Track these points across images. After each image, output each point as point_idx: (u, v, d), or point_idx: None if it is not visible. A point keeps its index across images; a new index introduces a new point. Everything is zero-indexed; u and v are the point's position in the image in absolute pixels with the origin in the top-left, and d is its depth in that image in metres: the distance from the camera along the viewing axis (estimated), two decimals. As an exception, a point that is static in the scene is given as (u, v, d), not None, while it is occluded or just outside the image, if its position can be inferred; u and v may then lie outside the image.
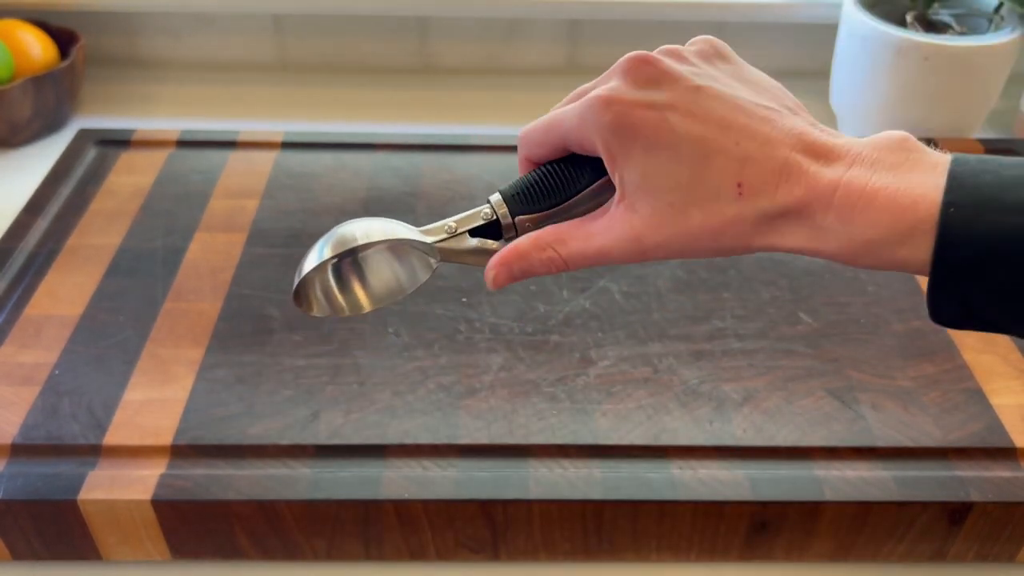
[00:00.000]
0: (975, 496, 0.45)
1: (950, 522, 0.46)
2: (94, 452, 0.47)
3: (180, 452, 0.47)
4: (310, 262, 0.37)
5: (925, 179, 0.32)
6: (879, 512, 0.45)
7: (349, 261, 0.38)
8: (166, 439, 0.47)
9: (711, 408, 0.50)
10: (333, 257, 0.37)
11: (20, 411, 0.49)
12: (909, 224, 0.31)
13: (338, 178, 0.69)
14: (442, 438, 0.48)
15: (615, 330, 0.55)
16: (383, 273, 0.39)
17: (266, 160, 0.71)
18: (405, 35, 0.93)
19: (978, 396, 0.51)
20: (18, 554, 0.47)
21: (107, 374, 0.51)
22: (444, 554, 0.47)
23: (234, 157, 0.71)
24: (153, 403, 0.49)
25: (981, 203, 0.30)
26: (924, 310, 0.57)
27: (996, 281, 0.31)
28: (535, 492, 0.45)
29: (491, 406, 0.50)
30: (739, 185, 0.33)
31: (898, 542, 0.47)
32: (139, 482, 0.45)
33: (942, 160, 0.32)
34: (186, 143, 0.73)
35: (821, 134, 0.34)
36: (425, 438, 0.48)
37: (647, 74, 0.35)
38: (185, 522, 0.45)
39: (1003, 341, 0.55)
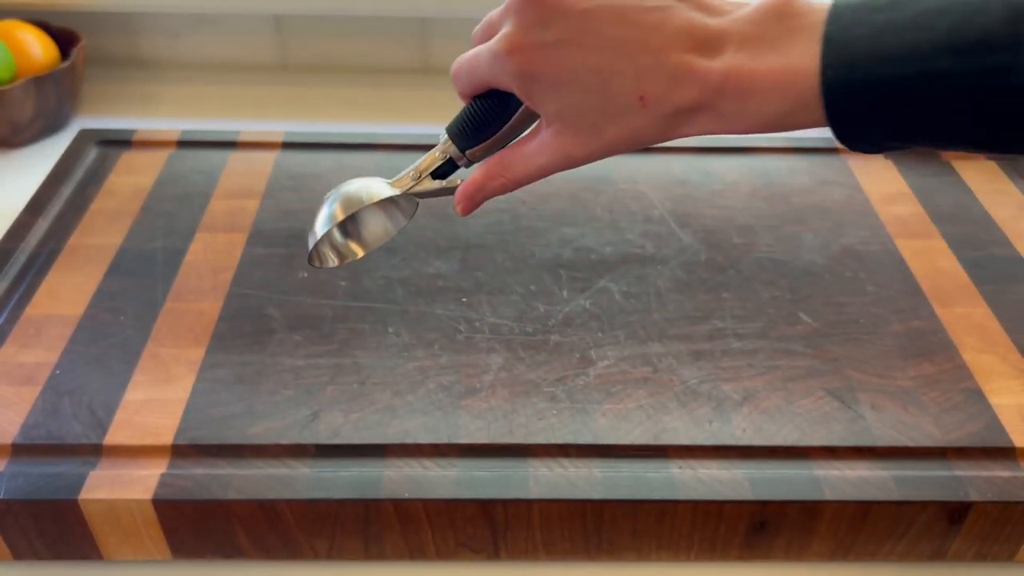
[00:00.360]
0: (974, 496, 0.45)
1: (949, 522, 0.46)
2: (95, 452, 0.47)
3: (181, 452, 0.47)
4: (323, 222, 0.44)
5: (804, 48, 0.34)
6: (878, 512, 0.45)
7: (349, 217, 0.44)
8: (167, 439, 0.47)
9: (711, 408, 0.50)
10: (344, 218, 0.44)
11: (21, 411, 0.49)
12: (795, 97, 0.34)
13: (339, 178, 0.69)
14: (442, 438, 0.48)
15: (615, 330, 0.55)
16: (374, 223, 0.47)
17: (266, 160, 0.71)
18: (405, 35, 0.93)
19: (977, 396, 0.51)
20: (19, 554, 0.47)
21: (108, 374, 0.51)
22: (444, 554, 0.47)
23: (234, 157, 0.71)
24: (154, 403, 0.49)
25: (855, 60, 0.33)
26: (924, 310, 0.57)
27: (890, 125, 0.34)
28: (535, 492, 0.45)
29: (491, 406, 0.50)
30: (641, 98, 0.37)
31: (897, 542, 0.47)
32: (140, 482, 0.45)
33: (819, 20, 0.35)
34: (187, 143, 0.73)
35: (708, 20, 0.37)
36: (425, 438, 0.48)
37: (537, 14, 0.37)
38: (186, 522, 0.45)
39: (1003, 341, 0.55)
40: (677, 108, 0.36)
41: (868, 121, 0.34)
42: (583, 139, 0.39)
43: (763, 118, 0.36)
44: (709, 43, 0.36)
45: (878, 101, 0.33)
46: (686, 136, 0.38)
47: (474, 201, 0.43)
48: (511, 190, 0.42)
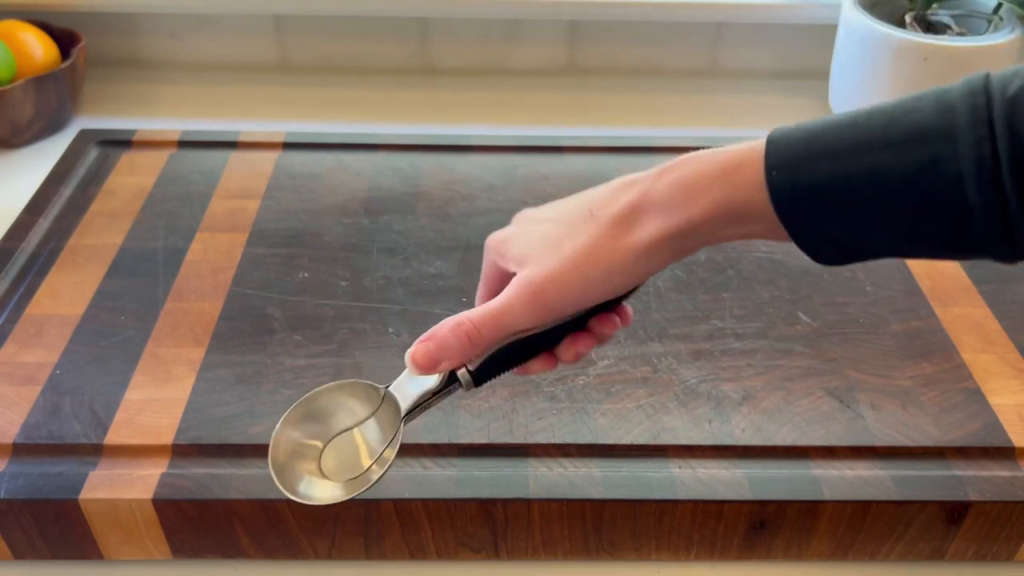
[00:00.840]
0: (973, 495, 0.45)
1: (948, 521, 0.46)
2: (95, 452, 0.47)
3: (181, 451, 0.47)
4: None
5: (747, 148, 0.36)
6: (878, 511, 0.45)
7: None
8: (167, 439, 0.47)
9: (710, 407, 0.50)
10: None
11: (22, 411, 0.49)
12: (742, 185, 0.36)
13: (339, 178, 0.69)
14: (442, 437, 0.48)
15: (615, 330, 0.55)
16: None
17: (267, 160, 0.71)
18: (405, 35, 0.93)
19: (977, 396, 0.51)
20: (20, 553, 0.47)
21: (108, 374, 0.51)
22: (444, 553, 0.47)
23: (235, 157, 0.71)
24: (154, 403, 0.49)
25: (797, 159, 0.35)
26: (923, 310, 0.57)
27: (837, 226, 0.35)
28: (535, 491, 0.45)
29: (491, 406, 0.50)
30: (590, 211, 0.39)
31: (897, 541, 0.47)
32: (140, 481, 0.45)
33: (759, 144, 0.37)
34: (187, 143, 0.73)
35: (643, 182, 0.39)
36: (425, 437, 0.48)
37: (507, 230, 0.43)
38: (186, 521, 0.45)
39: (1002, 341, 0.55)
40: (620, 209, 0.38)
41: (817, 221, 0.35)
42: (543, 263, 0.39)
43: (710, 204, 0.36)
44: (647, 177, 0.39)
45: (823, 199, 0.34)
46: (637, 246, 0.38)
47: (428, 350, 0.39)
48: (468, 336, 0.39)
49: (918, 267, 0.61)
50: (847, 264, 0.37)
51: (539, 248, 0.39)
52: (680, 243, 0.38)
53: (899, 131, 0.33)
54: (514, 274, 0.40)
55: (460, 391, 0.40)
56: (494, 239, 0.42)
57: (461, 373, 0.39)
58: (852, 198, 0.34)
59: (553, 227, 0.40)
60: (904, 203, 0.33)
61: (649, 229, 0.38)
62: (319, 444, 0.40)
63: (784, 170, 0.35)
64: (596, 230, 0.38)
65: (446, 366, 0.39)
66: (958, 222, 0.33)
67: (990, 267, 0.61)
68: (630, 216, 0.38)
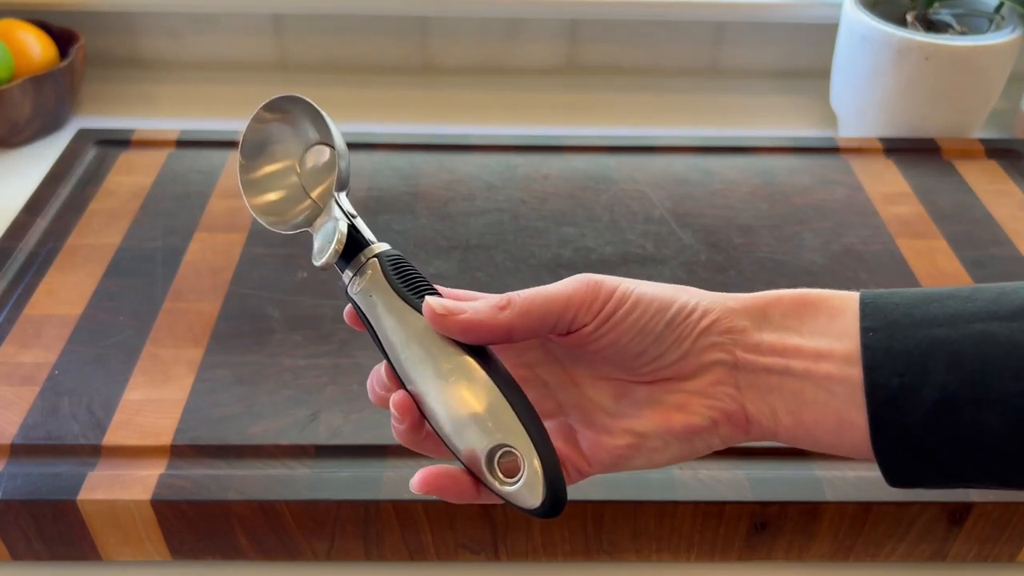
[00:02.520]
0: (975, 496, 0.45)
1: (950, 522, 0.46)
2: (94, 452, 0.47)
3: (180, 452, 0.47)
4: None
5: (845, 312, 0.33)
6: (879, 512, 0.45)
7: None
8: (166, 439, 0.47)
9: (711, 408, 0.50)
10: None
11: (20, 411, 0.49)
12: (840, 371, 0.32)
13: (338, 178, 0.69)
14: (442, 438, 0.47)
15: (615, 330, 0.55)
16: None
17: (266, 160, 0.71)
18: (405, 35, 0.93)
19: (978, 396, 0.51)
20: (18, 554, 0.47)
21: (107, 374, 0.51)
22: (444, 554, 0.47)
23: (234, 157, 0.71)
24: (153, 403, 0.49)
25: (893, 322, 0.32)
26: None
27: (927, 402, 0.30)
28: (535, 492, 0.45)
29: (491, 406, 0.50)
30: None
31: (898, 542, 0.47)
32: (139, 482, 0.45)
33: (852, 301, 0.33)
34: (186, 143, 0.73)
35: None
36: (425, 438, 0.47)
37: None
38: (185, 522, 0.45)
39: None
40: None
41: (908, 399, 0.31)
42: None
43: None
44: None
45: (923, 361, 0.31)
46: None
47: (451, 312, 0.33)
48: (502, 328, 0.33)
49: (919, 267, 0.61)
50: (927, 486, 0.33)
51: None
52: (751, 313, 0.34)
53: (1006, 306, 0.31)
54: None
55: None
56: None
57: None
58: (954, 361, 0.30)
59: None
60: (1015, 374, 0.30)
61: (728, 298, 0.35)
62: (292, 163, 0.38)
63: (879, 331, 0.32)
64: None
65: (467, 319, 0.33)
66: None
67: (992, 267, 0.61)
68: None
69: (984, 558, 0.48)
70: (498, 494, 0.32)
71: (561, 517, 0.45)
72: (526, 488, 0.31)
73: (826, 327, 0.33)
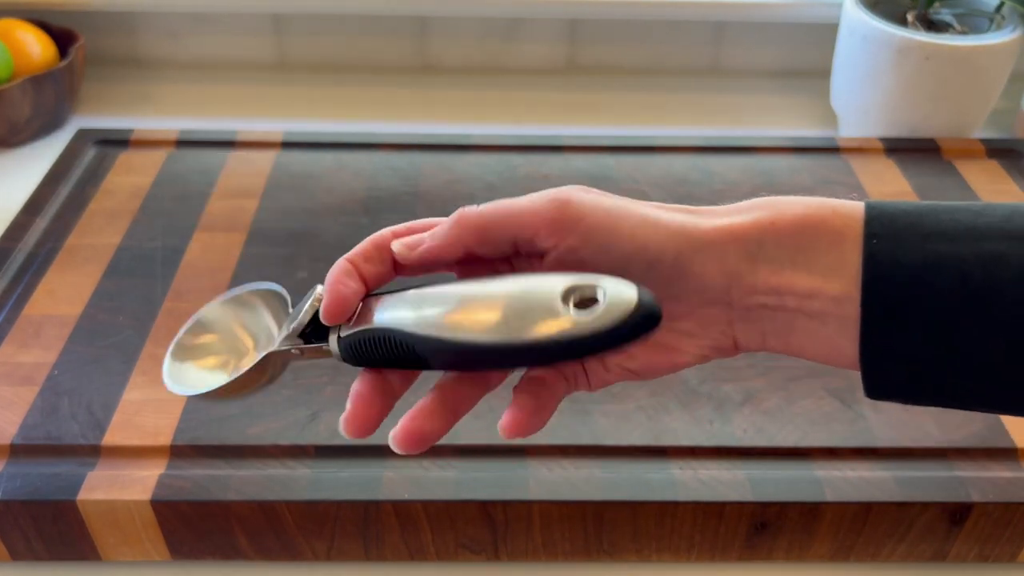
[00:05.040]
0: (976, 496, 0.45)
1: (951, 522, 0.46)
2: (93, 452, 0.47)
3: (179, 452, 0.47)
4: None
5: (847, 205, 0.32)
6: (880, 512, 0.45)
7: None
8: (165, 439, 0.47)
9: (711, 408, 0.50)
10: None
11: (19, 411, 0.49)
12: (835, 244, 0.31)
13: (338, 178, 0.69)
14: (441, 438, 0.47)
15: (615, 330, 0.55)
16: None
17: (266, 160, 0.71)
18: (405, 35, 0.93)
19: (979, 396, 0.51)
20: (17, 554, 0.47)
21: (106, 374, 0.51)
22: (444, 555, 0.47)
23: (233, 157, 0.71)
24: (152, 403, 0.49)
25: (899, 233, 0.31)
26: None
27: (928, 318, 0.30)
28: (535, 492, 0.45)
29: (491, 406, 0.49)
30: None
31: (899, 542, 0.47)
32: (138, 482, 0.45)
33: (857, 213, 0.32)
34: (185, 143, 0.73)
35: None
36: (425, 438, 0.47)
37: None
38: (184, 522, 0.45)
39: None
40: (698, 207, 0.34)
41: (906, 311, 0.30)
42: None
43: (795, 214, 0.32)
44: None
45: (926, 279, 0.30)
46: (710, 227, 0.33)
47: (413, 242, 0.38)
48: (455, 238, 0.37)
49: (920, 267, 0.61)
50: (907, 402, 0.32)
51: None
52: (746, 248, 0.32)
53: (1019, 226, 0.30)
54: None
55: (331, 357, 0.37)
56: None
57: (332, 339, 0.37)
58: (960, 282, 0.29)
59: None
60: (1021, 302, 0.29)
61: (722, 220, 0.33)
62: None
63: (885, 240, 0.31)
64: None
65: (425, 249, 0.36)
66: None
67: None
68: (703, 210, 0.34)
69: (985, 558, 0.47)
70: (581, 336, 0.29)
71: (561, 517, 0.45)
72: (612, 306, 0.29)
73: (824, 257, 0.32)
